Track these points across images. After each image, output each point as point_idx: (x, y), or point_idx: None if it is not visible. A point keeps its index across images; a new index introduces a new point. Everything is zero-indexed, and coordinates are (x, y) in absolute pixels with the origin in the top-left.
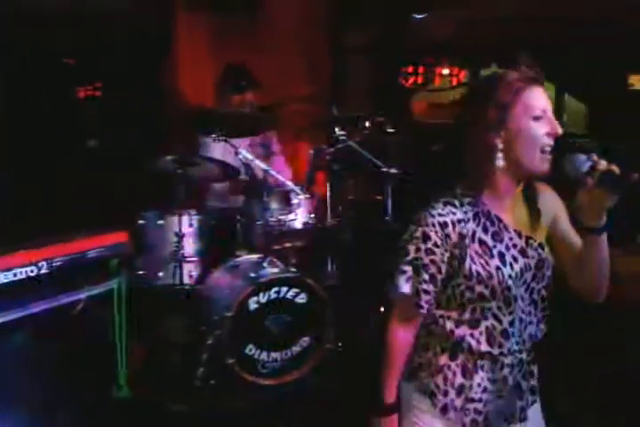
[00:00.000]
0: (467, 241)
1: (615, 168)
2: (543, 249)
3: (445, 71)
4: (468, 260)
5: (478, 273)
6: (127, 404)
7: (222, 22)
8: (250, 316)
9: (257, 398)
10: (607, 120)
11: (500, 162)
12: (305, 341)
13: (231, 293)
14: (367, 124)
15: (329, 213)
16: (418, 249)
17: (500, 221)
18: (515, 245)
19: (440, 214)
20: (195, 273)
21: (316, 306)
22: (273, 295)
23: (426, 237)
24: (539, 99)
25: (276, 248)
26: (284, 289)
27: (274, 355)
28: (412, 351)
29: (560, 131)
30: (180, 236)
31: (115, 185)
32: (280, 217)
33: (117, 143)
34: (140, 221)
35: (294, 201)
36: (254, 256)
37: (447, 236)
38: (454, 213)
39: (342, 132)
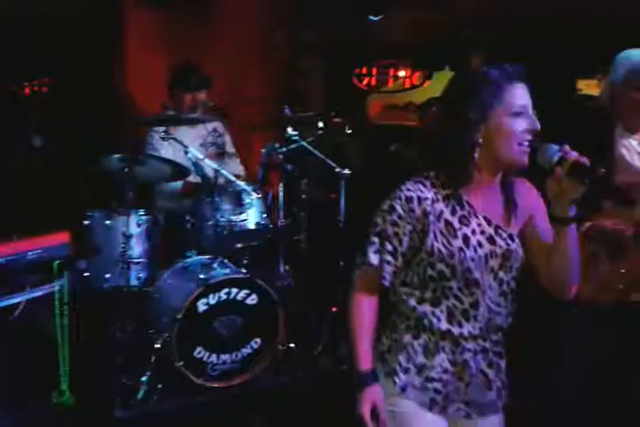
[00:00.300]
0: (431, 218)
1: (585, 160)
2: (513, 240)
3: (400, 73)
4: (431, 237)
5: (439, 250)
6: (69, 410)
7: (173, 20)
8: (199, 318)
9: (206, 400)
10: (556, 123)
11: (479, 157)
12: (256, 342)
13: (180, 295)
14: (321, 124)
15: (282, 213)
16: (384, 220)
17: (471, 206)
18: (482, 232)
19: (408, 189)
20: (143, 275)
21: (268, 307)
22: (223, 297)
23: (392, 210)
24: (519, 96)
25: (227, 249)
26: (235, 290)
27: (223, 357)
28: (382, 334)
29: (538, 127)
30: (128, 236)
31: (58, 184)
32: (231, 217)
33: (62, 142)
34: (86, 222)
35: (246, 201)
36: (204, 257)
37: (411, 210)
38: (422, 191)
39: (295, 132)
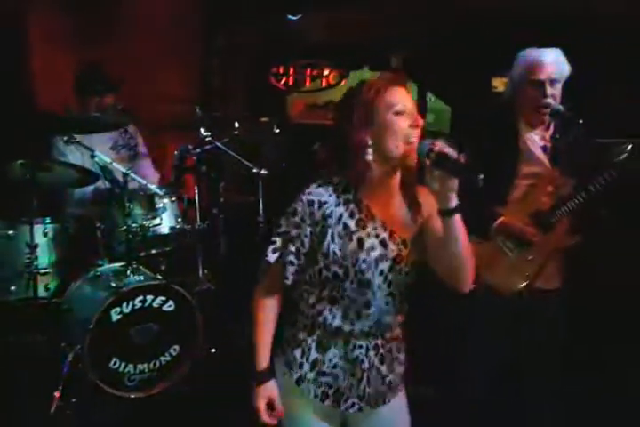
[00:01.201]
0: (329, 221)
1: (450, 151)
2: (405, 246)
3: (316, 73)
4: (328, 239)
5: (334, 253)
6: None
7: (82, 19)
8: (113, 327)
9: (125, 412)
10: (471, 120)
11: (370, 156)
12: (175, 349)
13: (92, 304)
14: (236, 124)
15: (198, 216)
16: (287, 223)
17: (369, 210)
18: (377, 235)
19: (310, 193)
20: (52, 285)
21: (185, 313)
22: (137, 304)
23: (294, 212)
24: (399, 96)
25: (141, 255)
26: (150, 297)
27: (141, 367)
28: (284, 328)
29: (421, 122)
30: (33, 246)
31: None
32: (144, 222)
33: None
34: None
35: (159, 205)
36: (117, 265)
37: (311, 213)
38: (322, 195)
39: (207, 133)
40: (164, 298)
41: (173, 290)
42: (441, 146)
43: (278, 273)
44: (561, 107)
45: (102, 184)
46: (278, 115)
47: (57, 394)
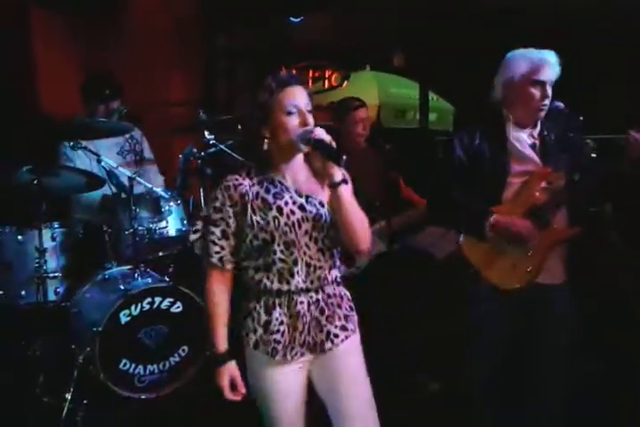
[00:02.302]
0: (247, 198)
1: (326, 137)
2: (323, 206)
3: (317, 74)
4: (250, 213)
5: (258, 222)
6: None
7: (85, 24)
8: (122, 330)
9: (136, 413)
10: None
11: (266, 146)
12: (184, 350)
13: (100, 307)
14: (240, 127)
15: None
16: (209, 208)
17: (282, 184)
18: (294, 202)
19: (226, 180)
20: (61, 289)
21: (193, 314)
22: (146, 307)
23: (215, 198)
24: (291, 97)
25: (149, 258)
26: (158, 299)
27: (151, 368)
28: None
29: (311, 122)
30: (42, 251)
31: None
32: (150, 225)
33: None
34: None
35: (165, 208)
36: (125, 267)
37: (230, 196)
38: (237, 180)
39: (211, 136)
40: (171, 300)
41: (181, 292)
42: (318, 133)
43: (210, 260)
44: (561, 104)
45: (109, 189)
46: None
47: (68, 396)
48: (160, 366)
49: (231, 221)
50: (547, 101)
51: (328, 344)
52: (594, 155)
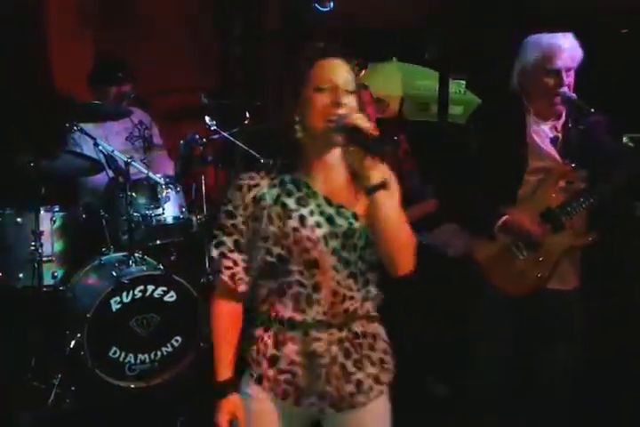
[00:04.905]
0: (263, 204)
1: (363, 124)
2: (356, 219)
3: None
4: (265, 221)
5: (274, 234)
6: None
7: (98, 8)
8: (112, 317)
9: (125, 401)
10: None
11: (299, 133)
12: (177, 340)
13: (92, 293)
14: (247, 114)
15: (205, 207)
16: (222, 213)
17: (309, 187)
18: (322, 212)
19: (240, 179)
20: (59, 273)
21: (187, 304)
22: (138, 295)
23: (227, 202)
24: (327, 71)
25: (148, 245)
26: (151, 288)
27: (142, 357)
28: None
29: (346, 100)
30: (38, 234)
31: None
32: (146, 212)
33: None
34: None
35: (162, 195)
36: (120, 254)
37: (242, 198)
38: (253, 179)
39: (212, 122)
40: (165, 288)
41: (175, 281)
42: (353, 118)
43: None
44: (573, 95)
45: (106, 173)
46: None
47: (55, 382)
48: (151, 356)
49: (244, 228)
50: (564, 90)
51: (360, 398)
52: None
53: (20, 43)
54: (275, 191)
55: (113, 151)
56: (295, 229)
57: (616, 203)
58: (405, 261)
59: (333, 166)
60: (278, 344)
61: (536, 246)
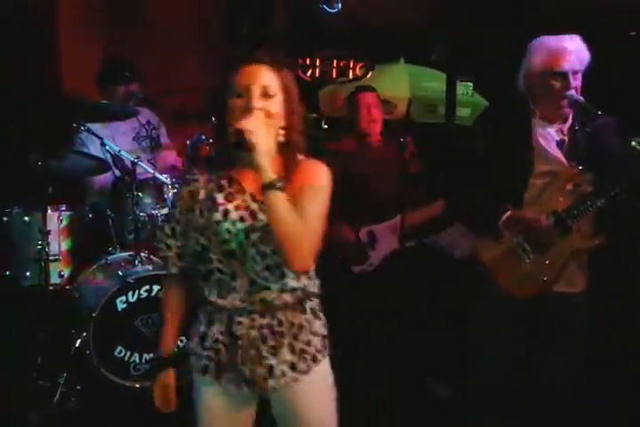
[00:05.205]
0: (197, 197)
1: (249, 127)
2: None
3: (343, 64)
4: (197, 213)
5: (202, 225)
6: None
7: (106, 7)
8: (117, 316)
9: (130, 400)
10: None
11: (231, 137)
12: (182, 341)
13: (98, 293)
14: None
15: None
16: (171, 204)
17: (239, 184)
18: (246, 207)
19: (186, 174)
20: (66, 272)
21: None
22: (143, 294)
23: (175, 194)
24: (245, 77)
25: (152, 245)
26: (156, 287)
27: (147, 356)
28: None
29: (257, 105)
30: (45, 233)
31: None
32: (152, 211)
33: None
34: (4, 218)
35: (168, 195)
36: (126, 254)
37: (182, 193)
38: (194, 175)
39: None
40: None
41: None
42: (242, 123)
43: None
44: (581, 98)
45: (113, 173)
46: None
47: (61, 381)
48: (156, 356)
49: (182, 219)
50: (571, 93)
51: (270, 383)
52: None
53: (28, 43)
54: (210, 186)
55: (120, 151)
56: (217, 222)
57: (623, 205)
58: (297, 259)
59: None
60: (208, 323)
61: (543, 249)
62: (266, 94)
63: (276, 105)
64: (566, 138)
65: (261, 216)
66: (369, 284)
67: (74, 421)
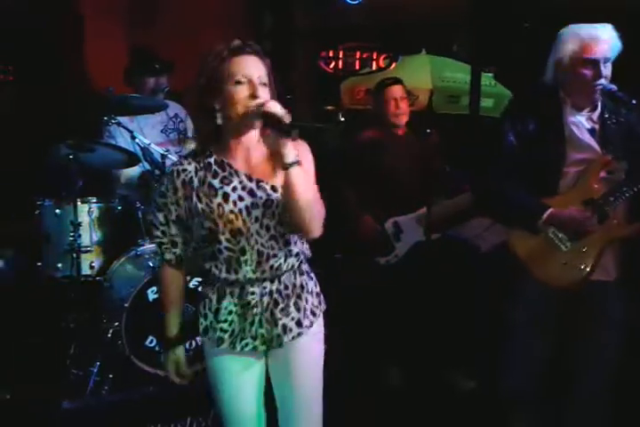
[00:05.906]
0: (193, 185)
1: (278, 110)
2: (275, 191)
3: (366, 55)
4: (195, 200)
5: (203, 210)
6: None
7: (128, 6)
8: (149, 307)
9: (161, 390)
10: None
11: (220, 120)
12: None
13: (130, 283)
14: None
15: None
16: (157, 192)
17: (231, 167)
18: (244, 187)
19: (173, 165)
20: (97, 264)
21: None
22: None
23: (161, 184)
24: (240, 66)
25: None
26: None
27: None
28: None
29: (261, 94)
30: (77, 225)
31: (8, 173)
32: None
33: (11, 129)
34: (37, 211)
35: None
36: (155, 245)
37: (172, 182)
38: (182, 164)
39: None
40: (199, 279)
41: None
42: (269, 105)
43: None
44: (614, 87)
45: (143, 166)
46: (332, 100)
47: (94, 370)
48: (186, 345)
49: (173, 208)
50: (601, 81)
51: (285, 338)
52: None
53: (57, 40)
54: (202, 174)
55: (149, 144)
56: (220, 205)
57: None
58: (315, 227)
59: (252, 147)
60: (219, 298)
61: (579, 236)
62: (262, 83)
63: (267, 93)
64: (597, 126)
65: (260, 193)
66: (394, 275)
67: (107, 410)
